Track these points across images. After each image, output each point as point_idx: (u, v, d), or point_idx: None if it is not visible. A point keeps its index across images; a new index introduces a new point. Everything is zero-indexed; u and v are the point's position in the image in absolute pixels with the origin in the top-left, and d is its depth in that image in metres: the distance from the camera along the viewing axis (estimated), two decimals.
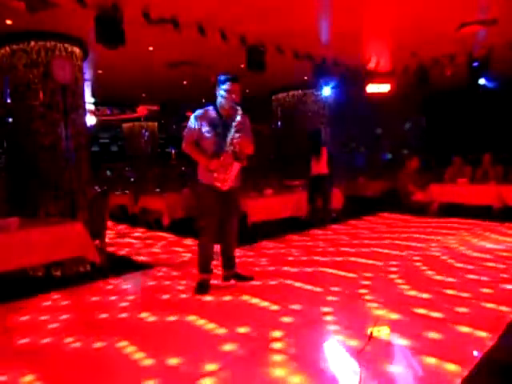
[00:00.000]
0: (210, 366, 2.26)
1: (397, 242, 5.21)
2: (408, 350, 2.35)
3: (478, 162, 7.74)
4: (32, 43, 5.24)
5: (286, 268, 4.19)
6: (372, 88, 7.94)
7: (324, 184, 6.77)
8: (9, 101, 5.38)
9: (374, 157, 11.83)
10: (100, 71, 7.62)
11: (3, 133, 5.56)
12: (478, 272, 3.79)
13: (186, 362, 2.33)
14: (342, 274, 3.92)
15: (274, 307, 3.11)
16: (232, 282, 3.71)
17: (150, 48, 6.25)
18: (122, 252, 5.36)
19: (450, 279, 3.63)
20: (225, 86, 3.39)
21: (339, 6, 4.84)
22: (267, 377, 2.14)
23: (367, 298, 3.24)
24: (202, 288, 3.50)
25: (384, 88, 7.99)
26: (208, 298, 3.38)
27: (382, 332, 2.59)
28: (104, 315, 3.11)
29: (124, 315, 3.08)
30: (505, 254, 4.43)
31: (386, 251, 4.73)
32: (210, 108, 3.47)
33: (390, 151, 11.76)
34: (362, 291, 3.40)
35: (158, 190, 7.73)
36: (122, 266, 4.65)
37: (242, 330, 2.73)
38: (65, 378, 2.27)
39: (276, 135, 10.04)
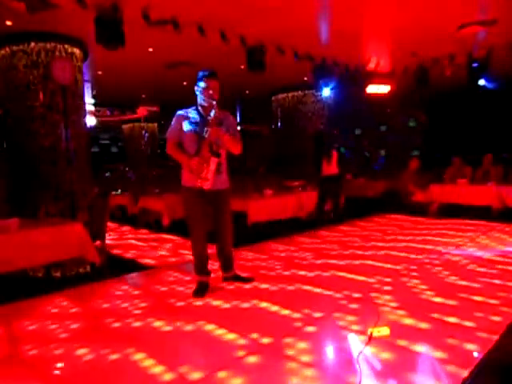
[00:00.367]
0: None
1: (412, 244, 5.07)
2: (435, 361, 2.25)
3: (478, 163, 7.74)
4: (32, 44, 5.24)
5: (302, 272, 4.04)
6: (372, 88, 7.95)
7: (335, 184, 6.97)
8: None
9: (375, 157, 11.88)
10: (100, 72, 7.63)
11: (3, 133, 5.56)
12: (502, 277, 3.63)
13: (207, 377, 2.18)
14: (361, 278, 3.76)
15: (296, 315, 2.95)
16: (232, 284, 3.66)
17: (150, 49, 6.25)
18: (128, 255, 5.22)
19: (475, 285, 3.47)
20: (202, 83, 3.31)
21: (339, 5, 4.85)
22: None
23: (391, 305, 3.09)
24: (200, 290, 3.47)
25: (384, 89, 8.00)
26: (226, 305, 3.23)
27: (382, 332, 2.59)
28: (116, 324, 2.97)
29: (137, 324, 2.94)
30: None
31: (402, 254, 4.59)
32: (192, 107, 3.43)
33: (390, 151, 11.82)
34: (385, 297, 3.25)
35: (157, 190, 7.73)
36: (129, 269, 4.52)
37: (264, 340, 2.57)
38: None
39: (276, 136, 10.04)
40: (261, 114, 11.86)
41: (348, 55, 6.94)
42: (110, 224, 7.55)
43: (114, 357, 2.43)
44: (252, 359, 2.35)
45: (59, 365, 2.39)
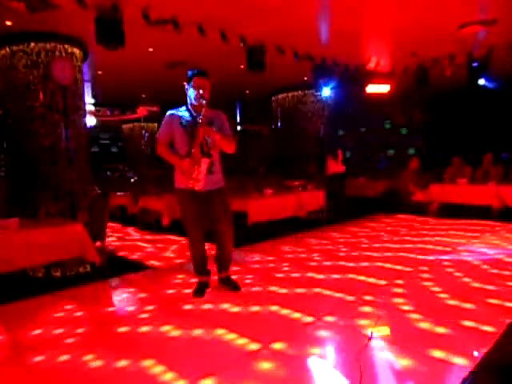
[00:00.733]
0: None
1: (420, 245, 4.98)
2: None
3: (478, 163, 7.74)
4: (32, 44, 5.25)
5: (311, 274, 3.94)
6: (372, 88, 7.95)
7: (340, 183, 7.23)
8: None
9: (376, 157, 11.91)
10: (100, 72, 7.63)
11: (3, 133, 5.56)
12: None
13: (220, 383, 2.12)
14: (372, 280, 3.67)
15: (308, 319, 2.86)
16: (242, 287, 3.58)
17: (150, 49, 6.26)
18: (134, 256, 5.10)
19: (490, 287, 3.36)
20: (192, 82, 3.24)
21: (339, 5, 4.85)
22: None
23: (405, 308, 2.99)
24: (200, 290, 3.45)
25: (384, 88, 8.00)
26: (235, 308, 3.12)
27: (382, 332, 2.59)
28: (124, 328, 2.85)
29: (146, 328, 2.81)
30: None
31: (411, 255, 4.50)
32: (182, 108, 3.36)
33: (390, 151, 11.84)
34: (398, 300, 3.15)
35: (157, 190, 7.73)
36: (134, 270, 4.42)
37: (277, 345, 2.48)
38: None
39: (276, 135, 10.05)
40: (261, 114, 11.86)
41: (348, 55, 6.94)
42: (113, 225, 7.56)
43: (123, 363, 2.34)
44: (266, 365, 2.26)
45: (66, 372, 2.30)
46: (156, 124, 14.15)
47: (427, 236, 5.51)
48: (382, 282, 3.60)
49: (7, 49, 5.32)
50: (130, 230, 7.25)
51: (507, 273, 3.75)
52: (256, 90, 9.67)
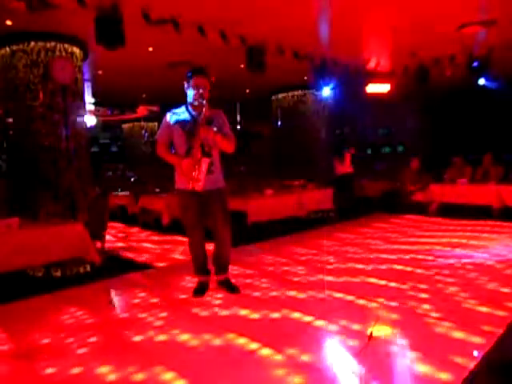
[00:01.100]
0: None
1: (437, 247, 4.77)
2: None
3: (479, 163, 7.74)
4: (32, 44, 5.25)
5: (329, 278, 3.75)
6: (372, 88, 7.95)
7: (349, 182, 7.26)
8: None
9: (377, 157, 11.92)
10: (100, 72, 7.63)
11: (3, 133, 5.56)
12: None
13: None
14: (393, 285, 3.50)
15: (332, 327, 2.69)
16: (259, 291, 3.49)
17: (150, 48, 6.25)
18: (142, 258, 4.96)
19: (506, 289, 3.22)
20: (191, 81, 3.22)
21: (339, 5, 4.85)
22: None
23: (433, 315, 2.81)
24: (200, 290, 3.44)
25: (384, 88, 8.00)
26: (254, 315, 2.95)
27: (382, 332, 2.59)
28: (138, 337, 2.67)
29: (161, 337, 2.65)
30: None
31: (430, 258, 4.32)
32: (182, 107, 3.34)
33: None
34: (425, 307, 2.97)
35: (157, 190, 7.74)
36: (142, 273, 4.27)
37: (304, 358, 2.30)
38: None
39: (276, 135, 10.05)
40: (261, 114, 11.86)
41: (348, 55, 6.94)
42: (117, 225, 7.53)
43: (140, 377, 2.18)
44: (296, 380, 2.08)
45: None
46: (156, 124, 14.16)
47: (443, 237, 5.34)
48: (403, 287, 3.45)
49: (7, 48, 5.32)
50: (135, 230, 7.18)
51: None
52: (256, 90, 9.67)
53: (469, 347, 2.33)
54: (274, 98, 9.66)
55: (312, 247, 5.12)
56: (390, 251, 4.73)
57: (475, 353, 2.28)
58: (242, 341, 2.55)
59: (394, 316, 2.84)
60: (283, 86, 9.14)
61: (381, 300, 3.13)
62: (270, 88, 9.30)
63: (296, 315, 2.93)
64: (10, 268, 3.61)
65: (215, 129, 3.21)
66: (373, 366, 2.21)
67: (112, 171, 13.98)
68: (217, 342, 2.56)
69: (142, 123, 13.76)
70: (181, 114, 3.32)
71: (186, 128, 3.23)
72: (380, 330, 2.60)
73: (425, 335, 2.53)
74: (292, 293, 3.41)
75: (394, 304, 3.06)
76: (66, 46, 5.45)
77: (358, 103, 10.59)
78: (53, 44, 5.33)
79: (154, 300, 3.40)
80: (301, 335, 2.63)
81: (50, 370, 2.31)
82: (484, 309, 2.88)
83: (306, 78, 8.15)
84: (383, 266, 4.10)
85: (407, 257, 4.44)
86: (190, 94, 3.25)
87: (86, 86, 6.94)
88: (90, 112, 10.59)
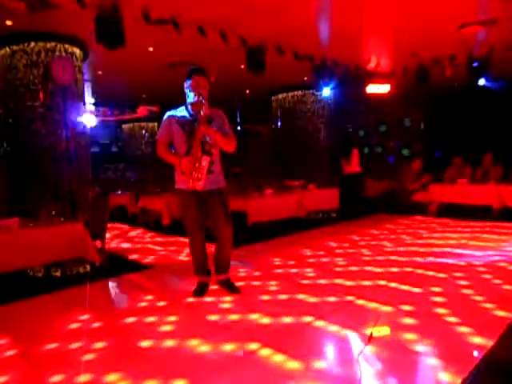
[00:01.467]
0: None
1: (448, 249, 4.74)
2: None
3: (479, 163, 7.75)
4: (32, 44, 5.24)
5: (339, 281, 3.69)
6: (372, 88, 7.95)
7: (355, 182, 7.41)
8: None
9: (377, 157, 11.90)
10: (100, 72, 7.62)
11: (3, 133, 5.56)
12: None
13: None
14: (406, 288, 3.42)
15: (348, 332, 2.61)
16: (267, 294, 3.45)
17: (150, 49, 6.25)
18: (148, 260, 4.94)
19: None
20: (190, 80, 3.23)
21: (339, 5, 4.84)
22: None
23: (452, 320, 2.73)
24: (200, 291, 3.45)
25: (384, 88, 8.00)
26: (265, 319, 2.88)
27: (382, 332, 2.58)
28: (146, 343, 2.60)
29: (171, 343, 2.57)
30: None
31: (440, 260, 4.27)
32: (181, 107, 3.35)
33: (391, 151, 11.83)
34: (441, 311, 2.90)
35: (157, 190, 7.75)
36: (148, 276, 4.25)
37: (319, 364, 2.23)
38: None
39: (276, 135, 10.04)
40: (261, 114, 11.85)
41: (348, 55, 6.93)
42: (121, 226, 7.52)
43: None
44: None
45: None
46: (156, 124, 14.15)
47: (451, 239, 5.30)
48: (417, 290, 3.36)
49: (7, 49, 5.31)
50: (139, 231, 7.14)
51: None
52: (256, 90, 9.66)
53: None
54: (273, 98, 9.65)
55: (318, 248, 5.09)
56: (399, 253, 4.67)
57: (475, 353, 2.28)
58: (253, 346, 2.48)
59: (411, 321, 2.75)
60: (283, 87, 9.14)
61: (395, 304, 3.04)
62: (270, 88, 9.29)
63: (307, 319, 2.85)
64: (9, 268, 3.61)
65: (215, 127, 3.21)
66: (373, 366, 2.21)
67: (112, 171, 13.98)
68: (227, 347, 2.48)
69: (142, 123, 13.74)
70: (180, 113, 3.32)
71: (185, 128, 3.24)
72: (380, 331, 2.60)
73: (446, 342, 2.43)
74: (302, 296, 3.33)
75: (409, 308, 2.97)
76: (66, 46, 5.45)
77: (358, 103, 10.60)
78: (53, 44, 5.32)
79: (161, 303, 3.34)
80: (313, 340, 2.55)
81: (56, 378, 2.24)
82: (502, 313, 2.81)
83: (305, 78, 8.15)
84: (394, 269, 4.03)
85: (417, 259, 4.38)
86: (190, 93, 3.25)
87: (85, 86, 6.94)
88: (90, 112, 10.59)
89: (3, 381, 2.26)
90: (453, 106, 11.08)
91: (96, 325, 2.95)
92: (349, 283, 3.64)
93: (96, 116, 11.53)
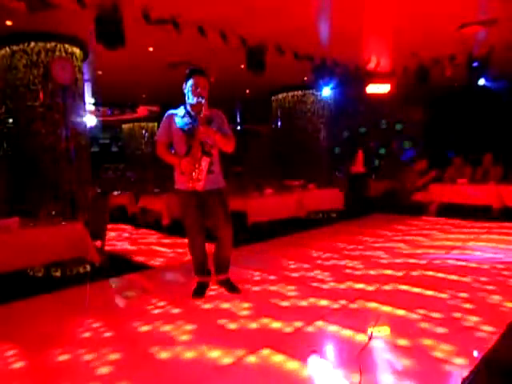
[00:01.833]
0: None
1: (468, 251, 4.58)
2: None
3: (479, 163, 7.75)
4: (32, 44, 5.24)
5: (359, 285, 3.53)
6: (372, 88, 7.95)
7: (359, 182, 7.56)
8: None
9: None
10: (100, 72, 7.62)
11: (3, 133, 5.56)
12: None
13: None
14: (430, 293, 3.27)
15: (377, 343, 2.46)
16: (287, 300, 3.32)
17: (150, 48, 6.25)
18: (156, 263, 4.83)
19: None
20: (190, 81, 3.24)
21: (339, 5, 4.84)
22: None
23: (486, 328, 2.58)
24: (199, 291, 3.44)
25: (384, 88, 8.01)
26: (288, 329, 2.71)
27: (382, 332, 2.59)
28: (164, 353, 2.44)
29: (190, 354, 2.42)
30: None
31: (460, 263, 4.09)
32: (181, 108, 3.36)
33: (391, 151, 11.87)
34: (472, 318, 2.74)
35: (157, 190, 7.75)
36: (157, 280, 4.16)
37: (354, 379, 2.08)
38: None
39: (276, 135, 10.05)
40: (261, 114, 11.86)
41: (348, 55, 6.93)
42: (126, 227, 7.49)
43: None
44: None
45: None
46: (156, 124, 14.15)
47: (468, 240, 5.18)
48: (442, 295, 3.21)
49: (7, 49, 5.31)
50: (143, 231, 7.07)
51: None
52: (256, 90, 9.66)
53: None
54: (273, 98, 9.66)
55: (319, 249, 5.01)
56: (417, 256, 4.51)
57: (475, 353, 2.28)
58: (277, 358, 2.33)
59: (442, 330, 2.60)
60: (283, 86, 9.14)
61: (422, 311, 2.89)
62: (270, 88, 9.29)
63: (333, 328, 2.69)
64: (10, 268, 3.61)
65: (215, 128, 3.21)
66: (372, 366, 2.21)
67: (112, 171, 13.99)
68: (251, 359, 2.34)
69: (142, 123, 13.75)
70: (180, 114, 3.32)
71: (185, 128, 3.24)
72: (380, 331, 2.60)
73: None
74: (323, 302, 3.20)
75: (437, 315, 2.82)
76: (67, 46, 5.45)
77: (358, 103, 10.61)
78: (53, 44, 5.32)
79: (176, 311, 3.18)
80: (340, 351, 2.40)
81: None
82: None
83: (305, 78, 8.15)
84: (414, 273, 3.87)
85: (437, 262, 4.22)
86: (189, 93, 3.25)
87: (86, 86, 6.93)
88: (90, 112, 10.59)
89: None
90: (453, 105, 11.08)
91: (108, 334, 2.80)
92: (369, 288, 3.50)
93: (96, 116, 11.52)
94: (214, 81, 3.56)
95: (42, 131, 5.30)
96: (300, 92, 9.16)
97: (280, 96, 9.47)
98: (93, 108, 11.00)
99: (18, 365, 2.42)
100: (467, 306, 3.00)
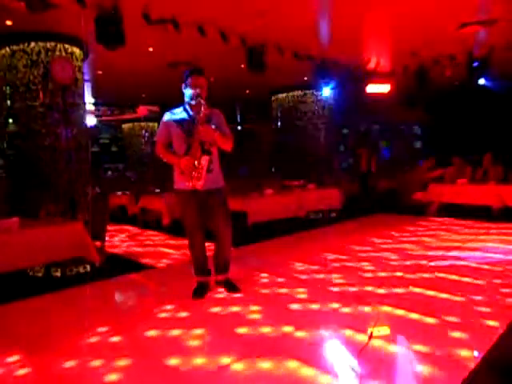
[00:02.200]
0: None
1: (479, 253, 4.46)
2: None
3: (479, 163, 7.75)
4: (32, 44, 5.24)
5: (370, 288, 3.45)
6: (372, 88, 7.95)
7: (364, 181, 8.35)
8: None
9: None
10: (100, 72, 7.62)
11: (3, 133, 5.56)
12: None
13: None
14: (445, 296, 3.18)
15: (392, 348, 2.39)
16: (299, 302, 3.25)
17: (150, 48, 6.25)
18: (161, 264, 4.75)
19: None
20: (188, 81, 3.25)
21: (339, 5, 4.84)
22: None
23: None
24: (199, 291, 3.44)
25: (384, 88, 8.01)
26: (299, 333, 2.64)
27: (382, 332, 2.58)
28: (175, 360, 2.35)
29: (202, 361, 2.33)
30: None
31: (473, 265, 3.98)
32: (179, 107, 3.37)
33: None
34: (491, 323, 2.65)
35: (157, 190, 7.74)
36: (163, 282, 4.04)
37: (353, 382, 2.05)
38: None
39: (276, 135, 10.04)
40: (261, 114, 11.85)
41: (348, 55, 6.93)
42: (130, 228, 7.44)
43: None
44: None
45: None
46: (156, 124, 14.14)
47: (478, 241, 5.09)
48: (459, 299, 3.12)
49: (7, 49, 5.31)
50: (150, 232, 6.94)
51: None
52: (256, 90, 9.66)
53: None
54: (273, 98, 9.65)
55: (321, 249, 4.94)
56: (428, 257, 4.42)
57: (475, 353, 2.28)
58: (291, 364, 2.25)
59: (459, 334, 2.52)
60: (283, 86, 9.13)
61: (439, 315, 2.81)
62: (270, 88, 9.29)
63: (348, 333, 2.61)
64: (9, 268, 3.61)
65: (213, 127, 3.22)
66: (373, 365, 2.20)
67: (112, 171, 13.98)
68: (264, 365, 2.24)
69: (142, 123, 13.74)
70: (179, 113, 3.34)
71: (184, 127, 3.25)
72: (380, 331, 2.60)
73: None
74: (336, 305, 3.10)
75: (455, 320, 2.74)
76: (66, 46, 5.44)
77: (359, 103, 10.60)
78: (53, 44, 5.32)
79: (184, 314, 3.08)
80: (364, 359, 2.28)
81: None
82: None
83: (305, 78, 8.15)
84: (426, 275, 3.79)
85: (448, 263, 4.15)
86: (188, 93, 3.27)
87: (85, 86, 6.93)
88: (90, 112, 10.59)
89: None
90: (453, 105, 11.08)
91: (115, 339, 2.72)
92: (383, 291, 3.42)
93: (96, 116, 11.52)
94: (213, 80, 3.56)
95: (42, 131, 5.30)
96: (300, 92, 9.16)
97: (280, 96, 9.47)
98: (93, 108, 11.00)
99: (22, 372, 2.34)
100: (483, 309, 2.92)
